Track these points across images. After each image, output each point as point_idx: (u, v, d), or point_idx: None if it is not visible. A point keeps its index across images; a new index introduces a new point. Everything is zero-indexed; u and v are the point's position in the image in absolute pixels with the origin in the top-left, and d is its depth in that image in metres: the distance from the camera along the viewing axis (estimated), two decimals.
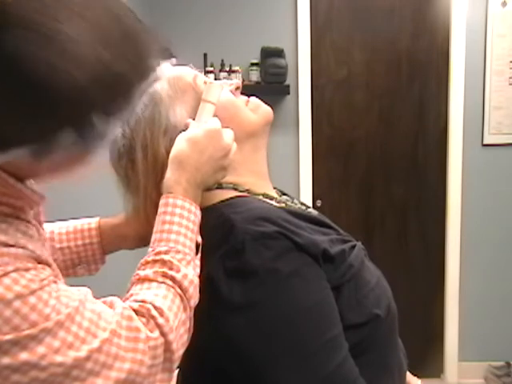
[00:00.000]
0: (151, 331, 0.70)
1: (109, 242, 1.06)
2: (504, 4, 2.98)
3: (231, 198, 0.86)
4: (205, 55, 2.94)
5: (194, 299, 0.76)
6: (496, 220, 3.14)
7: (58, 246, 1.05)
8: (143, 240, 1.05)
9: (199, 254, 0.80)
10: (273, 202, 0.90)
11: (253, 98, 0.96)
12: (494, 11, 2.99)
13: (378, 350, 0.82)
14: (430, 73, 3.11)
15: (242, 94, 0.97)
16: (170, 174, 0.81)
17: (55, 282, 0.68)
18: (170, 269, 0.75)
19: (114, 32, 0.64)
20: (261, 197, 0.90)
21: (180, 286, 0.74)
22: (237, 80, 1.01)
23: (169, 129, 0.88)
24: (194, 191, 0.82)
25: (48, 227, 1.07)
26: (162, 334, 0.70)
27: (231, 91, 0.94)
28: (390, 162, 3.17)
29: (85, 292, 0.70)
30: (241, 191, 0.89)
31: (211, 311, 0.76)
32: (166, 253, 0.76)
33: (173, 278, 0.74)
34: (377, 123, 3.15)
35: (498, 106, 3.04)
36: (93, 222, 1.07)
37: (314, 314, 0.75)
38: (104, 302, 0.71)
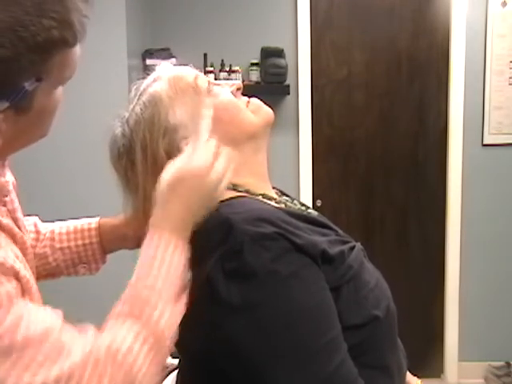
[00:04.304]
0: (113, 375, 0.67)
1: (109, 242, 1.06)
2: (504, 4, 2.98)
3: (231, 198, 0.86)
4: (205, 55, 2.94)
5: (165, 340, 0.73)
6: (496, 220, 3.13)
7: (58, 245, 1.05)
8: (143, 241, 1.05)
9: (185, 294, 0.77)
10: (272, 203, 0.90)
11: (254, 99, 0.96)
12: (494, 11, 2.99)
13: (377, 350, 0.82)
14: (430, 73, 3.11)
15: (242, 94, 0.97)
16: (157, 211, 0.79)
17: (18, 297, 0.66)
18: (141, 308, 0.72)
19: None
20: (260, 197, 0.90)
21: (149, 326, 0.71)
22: (238, 81, 1.01)
23: (168, 130, 0.88)
24: (181, 230, 0.78)
25: (48, 227, 1.08)
26: (126, 375, 0.68)
27: (232, 92, 0.94)
28: (390, 162, 3.17)
29: (49, 324, 0.67)
30: (240, 191, 0.89)
31: (210, 312, 0.76)
32: (138, 290, 0.74)
33: (141, 317, 0.72)
34: (377, 123, 3.15)
35: (498, 105, 3.04)
36: (93, 221, 1.07)
37: (313, 315, 0.75)
38: (79, 329, 0.69)
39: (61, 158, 2.40)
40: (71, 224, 1.08)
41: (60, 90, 0.75)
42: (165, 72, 0.94)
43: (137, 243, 1.04)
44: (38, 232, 1.05)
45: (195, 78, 0.93)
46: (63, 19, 0.66)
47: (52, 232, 1.07)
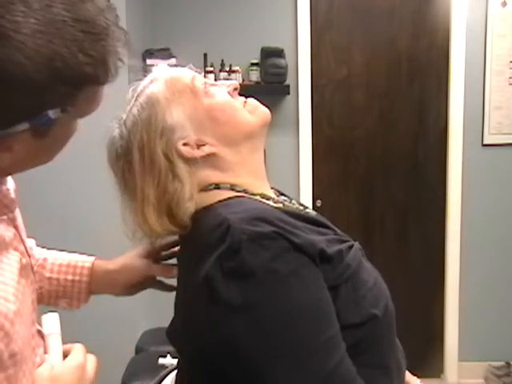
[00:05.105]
0: None
1: (97, 286, 1.08)
2: (504, 4, 2.98)
3: (229, 198, 0.86)
4: (205, 55, 2.94)
5: None
6: (496, 220, 3.13)
7: (47, 274, 1.07)
8: (131, 289, 1.08)
9: None
10: (270, 202, 0.90)
11: (250, 100, 0.96)
12: (494, 11, 2.99)
13: (376, 349, 0.82)
14: (430, 73, 3.11)
15: (240, 94, 0.97)
16: None
17: None
18: None
19: (72, 27, 0.64)
20: (258, 197, 0.90)
21: None
22: (235, 81, 1.01)
23: (166, 130, 0.88)
24: None
25: (43, 253, 1.09)
26: None
27: (229, 92, 0.94)
28: (390, 162, 3.17)
29: None
30: (238, 191, 0.89)
31: (209, 311, 0.76)
32: None
33: None
34: (377, 123, 3.15)
35: (498, 105, 3.04)
36: (88, 261, 1.09)
37: (312, 314, 0.75)
38: None
39: (59, 160, 2.39)
40: (66, 257, 1.10)
41: (78, 121, 0.76)
42: (161, 73, 0.94)
43: (125, 292, 1.08)
44: (31, 256, 1.06)
45: (192, 79, 0.93)
46: (100, 58, 0.67)
47: (45, 260, 1.08)
